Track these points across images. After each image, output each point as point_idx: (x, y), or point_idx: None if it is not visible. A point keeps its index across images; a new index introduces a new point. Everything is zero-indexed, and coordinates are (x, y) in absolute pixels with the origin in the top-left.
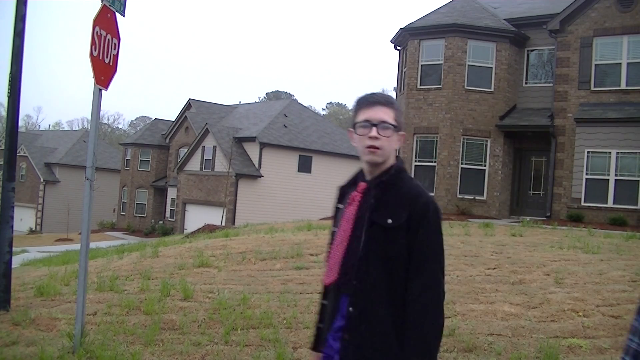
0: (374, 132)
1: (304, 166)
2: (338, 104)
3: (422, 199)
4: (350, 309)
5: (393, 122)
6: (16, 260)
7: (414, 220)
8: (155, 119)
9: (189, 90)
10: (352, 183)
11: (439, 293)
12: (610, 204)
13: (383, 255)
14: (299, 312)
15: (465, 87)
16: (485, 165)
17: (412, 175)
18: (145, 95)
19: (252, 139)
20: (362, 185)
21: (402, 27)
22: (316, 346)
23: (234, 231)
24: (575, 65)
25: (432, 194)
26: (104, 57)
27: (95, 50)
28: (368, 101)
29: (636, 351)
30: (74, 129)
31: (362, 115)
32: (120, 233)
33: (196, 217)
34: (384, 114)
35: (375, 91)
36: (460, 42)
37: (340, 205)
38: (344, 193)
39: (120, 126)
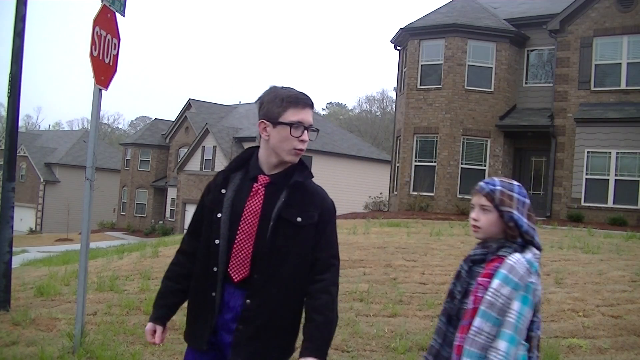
0: (306, 136)
1: None
2: (338, 104)
3: (328, 201)
4: (248, 301)
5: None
6: (16, 260)
7: (323, 221)
8: (155, 119)
9: (189, 90)
10: (236, 169)
11: (338, 286)
12: (610, 204)
13: (287, 251)
14: None
15: (465, 87)
16: (485, 165)
17: (413, 175)
18: (145, 95)
19: (252, 139)
20: (264, 178)
21: (402, 27)
22: (204, 344)
23: None
24: (575, 65)
25: None
26: (104, 57)
27: (95, 50)
28: (304, 102)
29: (445, 333)
30: (74, 129)
31: (295, 116)
32: (120, 233)
33: None
34: (311, 118)
35: (298, 89)
36: (460, 42)
37: (223, 191)
38: (227, 178)
39: (120, 126)
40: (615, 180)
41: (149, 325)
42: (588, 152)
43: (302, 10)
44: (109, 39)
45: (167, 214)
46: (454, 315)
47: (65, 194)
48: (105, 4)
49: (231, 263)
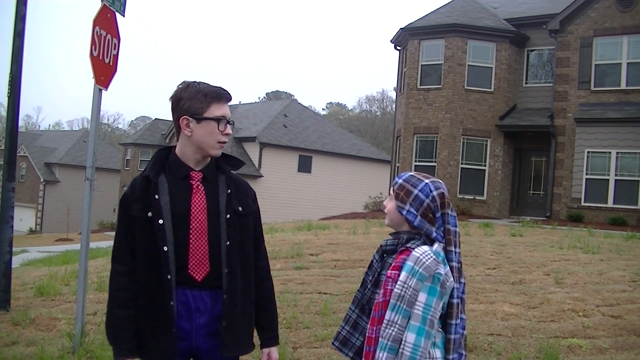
0: (229, 129)
1: (304, 166)
2: (338, 104)
3: (253, 190)
4: (225, 296)
5: None
6: (16, 260)
7: (257, 209)
8: (155, 119)
9: None
10: (158, 172)
11: None
12: (610, 204)
13: (239, 241)
14: (299, 312)
15: (465, 87)
16: (485, 165)
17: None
18: (145, 95)
19: (252, 139)
20: (197, 174)
21: (402, 27)
22: (174, 355)
23: None
24: (575, 65)
25: None
26: (104, 57)
27: (95, 50)
28: (225, 97)
29: (355, 321)
30: (74, 129)
31: (219, 111)
32: None
33: None
34: (229, 111)
35: (220, 85)
36: (460, 42)
37: (157, 197)
38: (156, 184)
39: (120, 126)
40: (615, 180)
41: None
42: (588, 152)
43: (302, 10)
44: (109, 39)
45: None
46: (365, 304)
47: (65, 194)
48: (105, 4)
49: (190, 264)
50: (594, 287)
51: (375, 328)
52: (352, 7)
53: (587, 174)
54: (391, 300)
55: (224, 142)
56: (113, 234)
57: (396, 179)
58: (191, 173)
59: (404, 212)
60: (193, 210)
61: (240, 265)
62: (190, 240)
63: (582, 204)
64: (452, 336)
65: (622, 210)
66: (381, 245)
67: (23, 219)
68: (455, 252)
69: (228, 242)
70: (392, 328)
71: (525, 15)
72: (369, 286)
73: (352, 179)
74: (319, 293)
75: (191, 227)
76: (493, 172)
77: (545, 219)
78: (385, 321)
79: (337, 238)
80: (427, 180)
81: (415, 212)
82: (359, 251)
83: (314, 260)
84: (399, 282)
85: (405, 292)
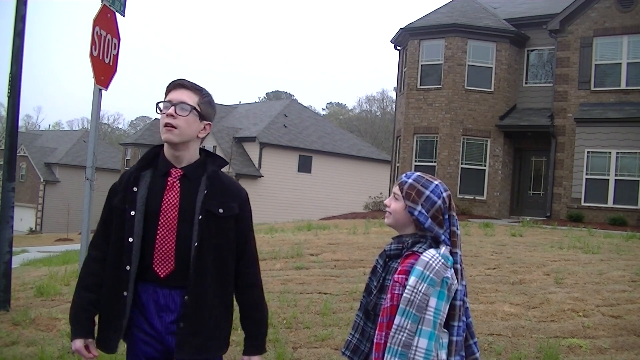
0: (171, 110)
1: (304, 166)
2: (338, 104)
3: (244, 193)
4: (186, 297)
5: (194, 105)
6: (16, 260)
7: (244, 213)
8: (155, 118)
9: None
10: (144, 167)
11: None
12: (610, 204)
13: (214, 243)
14: (299, 312)
15: (465, 87)
16: (485, 165)
17: None
18: (145, 95)
19: (252, 139)
20: (177, 171)
21: (402, 27)
22: (114, 347)
23: None
24: (575, 65)
25: None
26: (104, 57)
27: (95, 50)
28: (175, 84)
29: (362, 328)
30: (74, 129)
31: (167, 97)
32: None
33: None
34: (187, 97)
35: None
36: (460, 42)
37: (135, 189)
38: (137, 177)
39: (120, 126)
40: (615, 180)
41: (79, 342)
42: (588, 152)
43: (302, 10)
44: (109, 39)
45: None
46: (370, 310)
47: (65, 194)
48: (105, 4)
49: (155, 259)
50: (594, 287)
51: (383, 334)
52: (352, 7)
53: (587, 174)
54: (400, 305)
55: (168, 124)
56: None
57: (403, 178)
58: (171, 170)
59: (416, 213)
60: (164, 207)
61: (214, 269)
62: (157, 237)
63: (582, 204)
64: (455, 338)
65: (622, 210)
66: (385, 250)
67: (23, 219)
68: (458, 254)
69: (196, 243)
70: (401, 333)
71: (525, 15)
72: (374, 292)
73: (352, 179)
74: (319, 293)
75: (159, 223)
76: (493, 172)
77: (545, 219)
78: (394, 326)
79: (337, 238)
80: (436, 182)
81: (427, 214)
82: (359, 251)
83: (314, 260)
84: (408, 287)
85: (415, 297)
